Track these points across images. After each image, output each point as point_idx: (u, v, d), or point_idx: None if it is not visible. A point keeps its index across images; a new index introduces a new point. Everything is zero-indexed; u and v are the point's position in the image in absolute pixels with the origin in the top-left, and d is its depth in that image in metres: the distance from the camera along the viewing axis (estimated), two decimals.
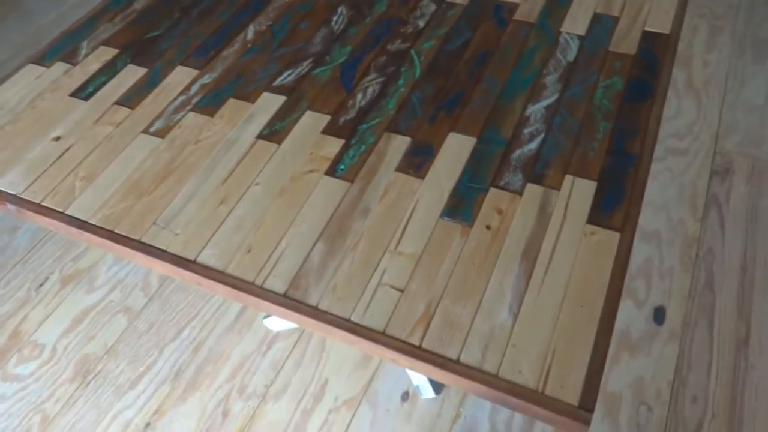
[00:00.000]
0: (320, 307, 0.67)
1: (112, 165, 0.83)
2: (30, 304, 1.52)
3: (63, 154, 0.85)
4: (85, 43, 1.02)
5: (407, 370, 1.33)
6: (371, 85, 0.91)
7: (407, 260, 0.70)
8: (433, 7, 1.04)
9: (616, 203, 0.74)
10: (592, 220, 0.72)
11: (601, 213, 0.73)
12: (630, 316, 1.43)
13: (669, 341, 1.41)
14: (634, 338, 1.40)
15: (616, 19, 0.99)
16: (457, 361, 0.62)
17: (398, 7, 1.04)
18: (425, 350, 0.63)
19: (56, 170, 0.83)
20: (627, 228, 0.71)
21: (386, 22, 1.02)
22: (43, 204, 0.79)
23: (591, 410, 0.58)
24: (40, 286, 1.56)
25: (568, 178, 0.77)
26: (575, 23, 0.99)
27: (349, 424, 1.29)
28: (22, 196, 0.80)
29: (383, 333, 0.64)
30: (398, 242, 0.72)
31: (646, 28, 0.96)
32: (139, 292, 1.52)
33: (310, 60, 0.96)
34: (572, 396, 0.59)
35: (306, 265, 0.71)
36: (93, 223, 0.76)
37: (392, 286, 0.68)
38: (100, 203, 0.78)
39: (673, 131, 1.83)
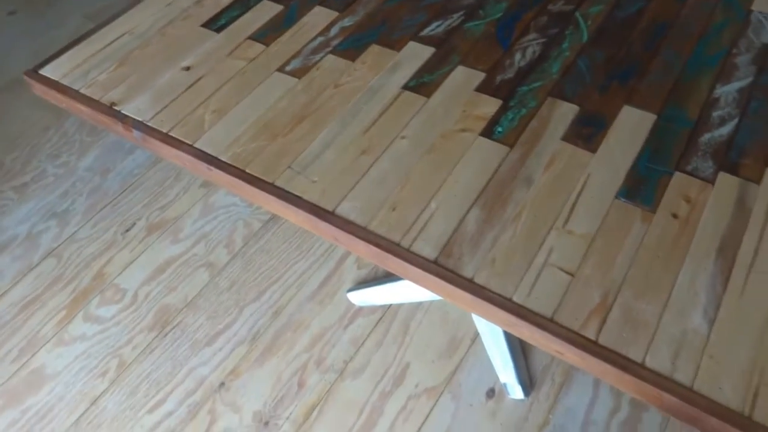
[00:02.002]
0: (476, 280, 0.58)
1: (244, 101, 0.76)
2: (115, 248, 1.49)
3: (193, 84, 0.79)
4: None
5: (495, 366, 1.23)
6: (531, 45, 0.81)
7: (578, 241, 0.61)
8: None
9: None
10: None
11: None
12: None
13: None
14: None
15: None
16: (642, 365, 0.52)
17: None
18: (602, 346, 0.53)
19: (185, 101, 0.77)
20: None
21: None
22: (171, 134, 0.73)
23: None
24: (127, 231, 1.53)
25: None
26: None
27: (429, 413, 1.20)
28: (149, 124, 0.74)
29: (551, 320, 0.55)
30: (567, 219, 0.62)
31: None
32: (223, 248, 1.48)
33: (461, 12, 0.87)
34: None
35: (459, 231, 0.62)
36: (223, 159, 0.70)
37: (561, 268, 0.59)
38: (231, 140, 0.72)
39: None
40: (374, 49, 0.82)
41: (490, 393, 1.24)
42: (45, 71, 0.81)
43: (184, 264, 1.45)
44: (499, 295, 0.57)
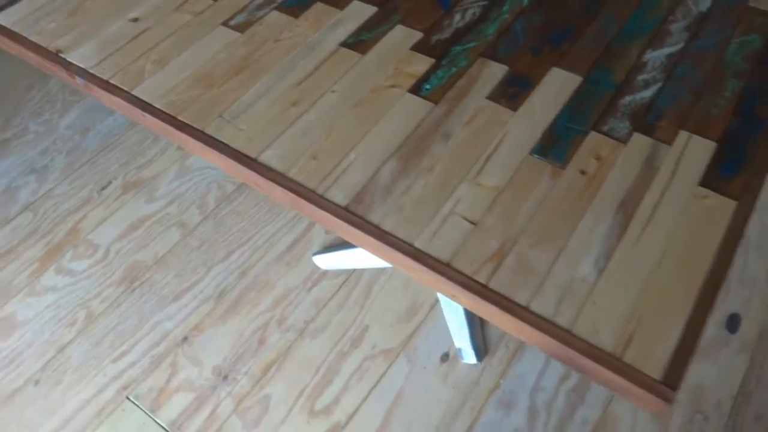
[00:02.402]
0: (383, 226, 0.60)
1: (185, 53, 0.78)
2: (91, 205, 1.53)
3: (138, 36, 0.81)
4: None
5: (451, 331, 1.26)
6: (472, 7, 0.82)
7: (486, 192, 0.63)
8: None
9: (735, 169, 0.63)
10: (705, 182, 0.63)
11: (717, 177, 0.63)
12: None
13: (741, 352, 1.28)
14: (701, 343, 1.28)
15: None
16: (527, 308, 0.54)
17: None
18: (492, 290, 0.56)
19: (129, 51, 0.79)
20: (745, 198, 0.61)
21: None
22: (111, 81, 0.75)
23: (675, 388, 0.50)
24: (103, 189, 1.56)
25: (684, 134, 0.67)
26: None
27: (384, 374, 1.24)
28: (91, 71, 0.77)
29: (448, 265, 0.57)
30: (479, 172, 0.64)
31: None
32: (195, 209, 1.51)
33: None
34: (655, 368, 0.51)
35: (374, 180, 0.64)
36: (157, 106, 0.72)
37: (465, 218, 0.61)
38: (168, 88, 0.74)
39: None
40: (318, 6, 0.84)
41: (445, 357, 1.27)
42: None
43: (157, 222, 1.49)
44: (402, 241, 0.59)
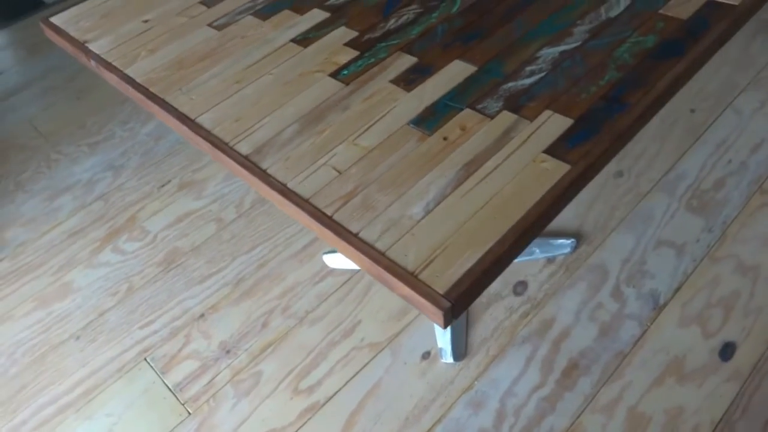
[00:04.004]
0: (269, 171, 0.74)
1: (172, 45, 0.98)
2: (150, 198, 1.79)
3: (144, 32, 1.02)
4: None
5: (435, 331, 1.34)
6: (407, 13, 0.96)
7: (359, 151, 0.75)
8: None
9: (582, 140, 0.71)
10: (549, 150, 0.71)
11: (562, 146, 0.71)
12: (691, 342, 1.30)
13: (729, 380, 1.25)
14: (688, 366, 1.27)
15: None
16: (355, 235, 0.65)
17: None
18: (333, 221, 0.67)
19: (133, 42, 1.00)
20: (581, 163, 0.68)
21: None
22: (113, 63, 0.96)
23: (452, 302, 0.58)
24: (162, 186, 1.82)
25: (547, 113, 0.75)
26: None
27: (366, 364, 1.34)
28: (102, 56, 0.98)
29: (307, 201, 0.70)
30: (359, 135, 0.77)
31: None
32: (233, 208, 1.72)
33: None
34: (442, 285, 0.60)
35: (275, 138, 0.78)
36: (139, 81, 0.92)
37: (334, 168, 0.73)
38: (150, 69, 0.94)
39: None
40: (285, 13, 1.01)
41: (426, 355, 1.35)
42: (53, 19, 1.09)
43: (199, 217, 1.71)
44: (278, 181, 0.73)
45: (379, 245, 0.64)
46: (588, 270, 1.45)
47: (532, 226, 0.64)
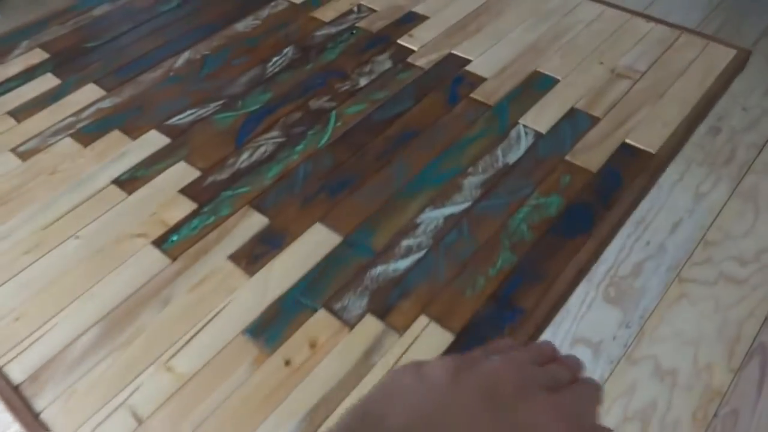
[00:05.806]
0: (42, 416, 0.54)
1: None
2: None
3: None
4: (25, 43, 0.97)
5: None
6: (266, 144, 0.77)
7: (171, 381, 0.55)
8: (387, 65, 0.88)
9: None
10: None
11: None
12: None
13: None
14: None
15: (595, 121, 0.77)
16: None
17: (350, 57, 0.89)
18: None
19: None
20: None
21: (327, 73, 0.87)
22: None
23: None
24: None
25: (422, 321, 0.58)
26: (541, 115, 0.78)
27: None
28: None
29: None
30: (176, 353, 0.57)
31: (627, 140, 0.74)
32: None
33: (220, 102, 0.83)
34: None
35: (63, 353, 0.58)
36: None
37: (134, 413, 0.54)
38: None
39: (735, 253, 1.51)
40: (114, 135, 0.80)
41: None
42: None
43: None
44: None
45: None
46: None
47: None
